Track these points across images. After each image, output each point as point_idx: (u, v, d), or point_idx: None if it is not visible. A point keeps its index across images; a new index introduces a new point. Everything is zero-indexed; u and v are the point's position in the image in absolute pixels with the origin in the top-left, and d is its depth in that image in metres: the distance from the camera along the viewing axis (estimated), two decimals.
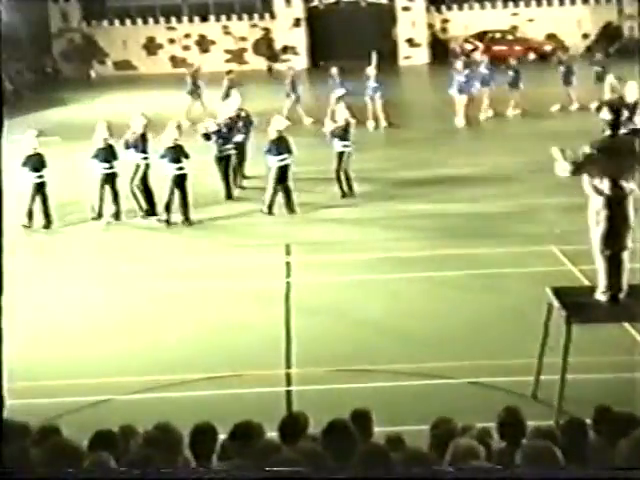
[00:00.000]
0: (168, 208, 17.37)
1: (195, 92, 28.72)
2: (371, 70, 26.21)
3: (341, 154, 18.60)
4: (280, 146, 17.69)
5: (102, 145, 17.66)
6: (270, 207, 17.70)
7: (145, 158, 17.80)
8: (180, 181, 17.28)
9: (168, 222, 17.35)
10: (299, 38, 43.46)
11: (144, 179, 17.85)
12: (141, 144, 17.77)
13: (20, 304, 13.38)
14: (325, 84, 27.86)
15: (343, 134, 18.61)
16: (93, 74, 43.30)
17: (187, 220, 17.36)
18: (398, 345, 11.70)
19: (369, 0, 42.93)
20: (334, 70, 26.88)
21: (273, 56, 43.43)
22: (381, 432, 6.69)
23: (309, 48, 43.38)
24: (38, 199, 17.41)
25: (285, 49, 43.59)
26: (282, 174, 17.69)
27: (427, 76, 39.73)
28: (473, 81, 26.23)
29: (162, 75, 41.08)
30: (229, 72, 28.89)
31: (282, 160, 17.68)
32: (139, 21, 44.15)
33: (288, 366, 11.25)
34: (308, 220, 17.42)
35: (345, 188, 18.68)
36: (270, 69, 42.66)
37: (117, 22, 44.12)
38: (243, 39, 44.06)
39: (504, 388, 10.11)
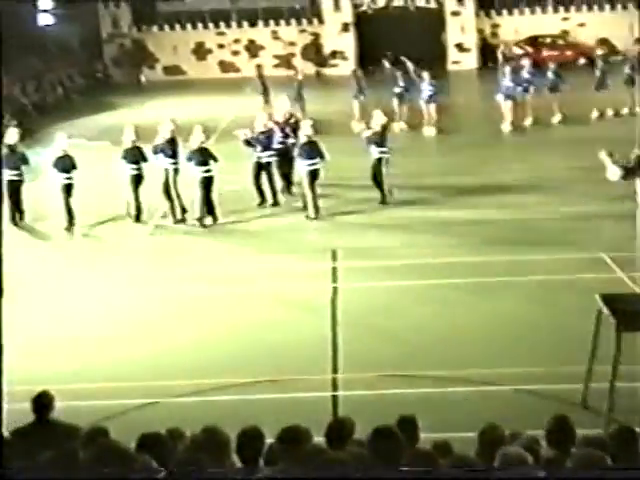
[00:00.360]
0: (209, 211, 17.70)
1: (264, 94, 28.55)
2: (426, 75, 25.98)
3: (378, 160, 18.51)
4: (311, 150, 17.76)
5: (130, 146, 18.08)
6: (316, 211, 17.75)
7: (174, 163, 17.99)
8: (207, 183, 17.49)
9: (204, 225, 17.61)
10: (348, 43, 43.47)
11: (169, 184, 17.98)
12: (169, 149, 17.91)
13: (59, 305, 13.55)
14: (373, 88, 27.82)
15: (380, 140, 18.54)
16: (143, 79, 43.66)
17: (204, 221, 17.56)
18: (445, 351, 11.64)
19: (418, 5, 42.83)
20: (398, 73, 26.86)
21: (321, 61, 43.49)
22: (427, 438, 6.65)
23: (357, 53, 43.36)
24: (67, 199, 17.73)
25: (334, 54, 43.63)
26: (313, 178, 17.77)
27: (475, 81, 39.55)
28: (518, 86, 26.11)
29: (211, 80, 41.34)
30: (296, 73, 29.12)
31: (312, 165, 17.77)
32: (188, 26, 44.44)
33: (334, 371, 11.25)
34: (350, 226, 17.39)
35: (385, 194, 18.58)
36: (318, 73, 42.72)
37: (167, 27, 44.45)
38: (292, 44, 44.17)
39: (553, 396, 10.02)
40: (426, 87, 25.83)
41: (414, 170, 20.30)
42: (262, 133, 18.73)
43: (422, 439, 6.53)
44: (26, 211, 18.15)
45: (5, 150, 17.90)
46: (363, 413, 7.60)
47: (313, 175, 17.72)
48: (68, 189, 17.67)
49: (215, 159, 17.60)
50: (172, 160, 17.95)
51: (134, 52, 44.13)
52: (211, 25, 44.46)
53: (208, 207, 17.68)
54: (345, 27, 43.43)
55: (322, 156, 17.75)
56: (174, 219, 18.00)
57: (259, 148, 18.63)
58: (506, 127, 25.49)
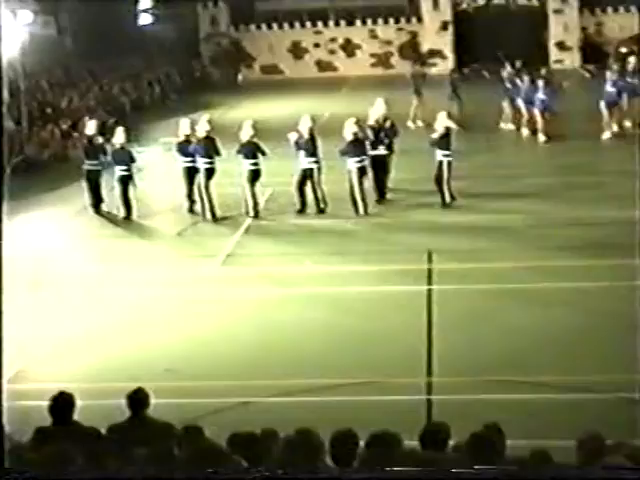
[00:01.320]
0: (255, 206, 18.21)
1: (418, 91, 27.99)
2: (540, 83, 24.92)
3: (440, 163, 18.33)
4: (357, 148, 17.92)
5: (182, 139, 18.98)
6: (365, 209, 18.06)
7: (211, 162, 18.34)
8: (253, 177, 18.03)
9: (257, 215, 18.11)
10: (446, 42, 43.20)
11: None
12: (202, 149, 18.39)
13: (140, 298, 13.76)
14: (473, 88, 27.56)
15: (442, 143, 18.35)
16: (240, 78, 44.09)
17: (255, 215, 18.08)
18: (543, 355, 11.46)
19: (519, 3, 42.30)
20: (506, 72, 26.47)
21: (419, 60, 43.30)
22: (525, 446, 6.54)
23: (456, 52, 43.03)
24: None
25: (431, 53, 43.39)
26: (362, 175, 18.06)
27: (578, 80, 38.83)
28: (622, 90, 25.19)
29: (308, 79, 41.52)
30: (454, 71, 28.86)
31: (360, 162, 17.97)
32: (286, 25, 44.70)
33: (429, 374, 11.17)
34: (441, 227, 17.25)
35: (447, 197, 18.40)
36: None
37: (264, 27, 44.78)
38: (389, 43, 44.06)
39: None
40: (540, 95, 24.89)
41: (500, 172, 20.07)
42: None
43: (519, 446, 6.43)
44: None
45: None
46: (458, 418, 7.51)
47: (362, 172, 18.14)
48: (126, 180, 18.73)
49: (263, 152, 18.16)
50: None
51: (232, 51, 44.59)
52: (308, 24, 44.63)
53: (253, 201, 18.09)
54: (444, 25, 43.16)
55: (366, 154, 18.28)
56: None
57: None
58: (606, 134, 24.61)
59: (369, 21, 44.18)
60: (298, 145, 18.29)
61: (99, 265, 15.61)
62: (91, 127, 19.85)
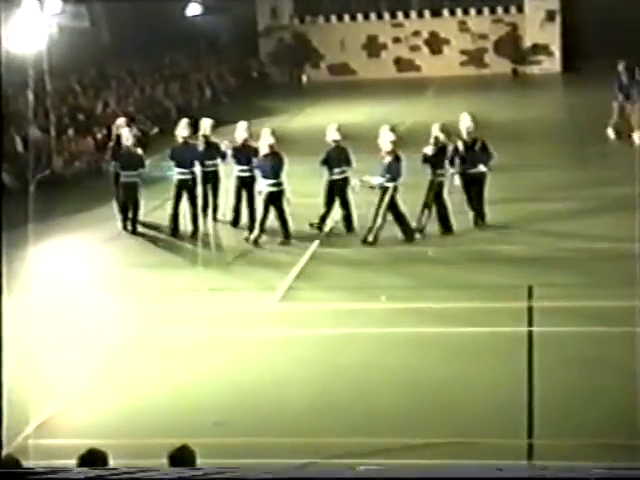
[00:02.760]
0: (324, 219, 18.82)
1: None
2: None
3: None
4: (439, 159, 18.19)
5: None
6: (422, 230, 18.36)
7: (276, 184, 18.58)
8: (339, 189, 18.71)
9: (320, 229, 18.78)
10: (552, 35, 43.00)
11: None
12: (266, 166, 18.71)
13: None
14: (582, 90, 27.43)
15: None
16: (305, 79, 44.39)
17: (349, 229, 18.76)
18: None
19: None
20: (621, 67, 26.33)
21: (520, 57, 43.17)
22: None
23: (563, 47, 42.79)
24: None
25: (535, 48, 43.22)
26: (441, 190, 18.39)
27: None
28: None
29: (385, 81, 41.65)
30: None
31: (442, 175, 18.41)
32: (359, 16, 44.87)
33: (529, 435, 11.08)
34: (524, 257, 17.16)
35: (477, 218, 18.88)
36: (515, 72, 42.42)
37: (334, 18, 45.02)
38: (483, 37, 44.05)
39: None
40: None
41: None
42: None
43: None
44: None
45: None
46: None
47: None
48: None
49: (349, 162, 18.71)
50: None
51: (295, 47, 44.91)
52: (386, 15, 44.78)
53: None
54: (550, 16, 42.98)
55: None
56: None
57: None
58: None
59: (459, 11, 44.23)
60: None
61: (133, 300, 15.77)
62: (126, 136, 20.25)
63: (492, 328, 14.07)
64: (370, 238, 18.07)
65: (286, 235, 18.49)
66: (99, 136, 27.52)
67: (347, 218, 19.05)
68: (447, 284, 16.17)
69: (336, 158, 18.86)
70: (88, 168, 25.74)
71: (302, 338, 14.14)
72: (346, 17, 44.96)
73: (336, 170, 18.83)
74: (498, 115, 27.23)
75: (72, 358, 13.64)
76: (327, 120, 22.28)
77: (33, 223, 15.76)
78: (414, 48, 44.58)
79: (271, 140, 18.67)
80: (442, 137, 18.67)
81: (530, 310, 14.71)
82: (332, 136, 18.99)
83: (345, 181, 18.89)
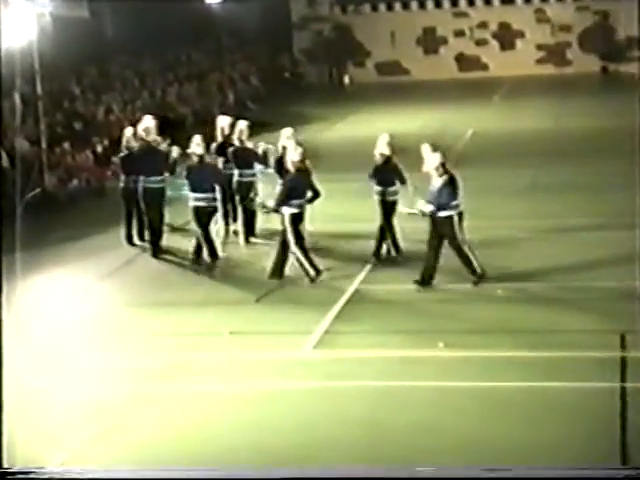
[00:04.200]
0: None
1: None
2: None
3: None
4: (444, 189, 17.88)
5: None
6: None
7: (300, 206, 18.74)
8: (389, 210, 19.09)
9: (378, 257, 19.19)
10: None
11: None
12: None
13: None
14: None
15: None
16: (347, 80, 44.55)
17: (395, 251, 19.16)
18: None
19: None
20: None
21: (611, 52, 43.01)
22: None
23: None
24: None
25: (631, 41, 42.97)
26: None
27: None
28: None
29: (444, 82, 41.70)
30: None
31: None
32: (413, 5, 44.98)
33: None
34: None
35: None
36: (605, 70, 42.27)
37: (382, 7, 45.17)
38: (565, 28, 44.02)
39: None
40: None
41: None
42: None
43: None
44: None
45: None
46: None
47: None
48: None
49: (403, 180, 18.96)
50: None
51: (336, 42, 45.14)
52: (446, 3, 44.85)
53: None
54: None
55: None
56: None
57: None
58: None
59: None
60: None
61: (139, 348, 15.73)
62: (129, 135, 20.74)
63: (578, 383, 13.96)
64: (426, 278, 17.99)
65: (315, 272, 18.48)
66: (100, 148, 27.66)
67: (394, 244, 19.28)
68: (519, 328, 16.08)
69: (385, 176, 19.02)
70: (87, 187, 25.83)
71: (342, 392, 14.07)
72: (397, 5, 45.18)
73: (388, 189, 18.97)
74: (583, 125, 27.10)
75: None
76: (373, 130, 22.33)
77: (20, 252, 15.79)
78: (480, 42, 44.73)
79: (298, 157, 18.84)
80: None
81: (623, 361, 14.59)
82: (381, 149, 19.03)
83: (394, 204, 18.98)
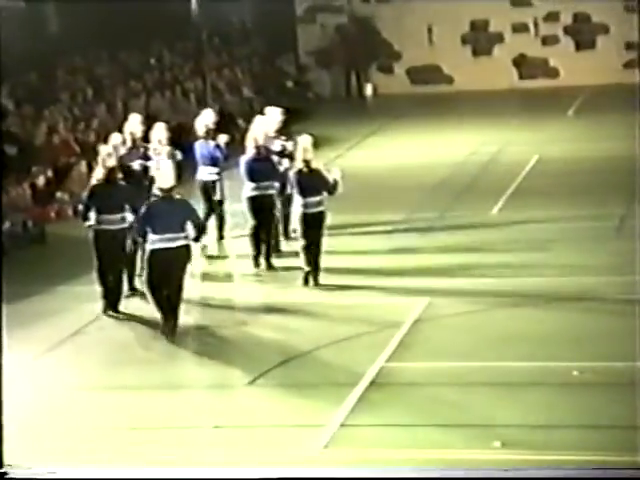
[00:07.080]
0: None
1: None
2: None
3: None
4: None
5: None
6: None
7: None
8: None
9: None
10: None
11: None
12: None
13: None
14: None
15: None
16: (369, 91, 44.72)
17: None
18: None
19: None
20: None
21: None
22: None
23: None
24: None
25: None
26: None
27: None
28: None
29: (498, 93, 41.88)
30: None
31: None
32: None
33: None
34: None
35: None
36: None
37: None
38: None
39: None
40: None
41: None
42: None
43: None
44: None
45: None
46: None
47: None
48: None
49: None
50: None
51: (355, 41, 45.28)
52: None
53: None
54: None
55: None
56: None
57: None
58: None
59: None
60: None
61: (91, 451, 15.75)
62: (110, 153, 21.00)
63: None
64: None
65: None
66: (41, 180, 27.79)
67: None
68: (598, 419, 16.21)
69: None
70: (22, 231, 25.93)
71: None
72: None
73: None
74: None
75: None
76: (401, 158, 22.53)
77: None
78: (548, 40, 44.84)
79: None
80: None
81: None
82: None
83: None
